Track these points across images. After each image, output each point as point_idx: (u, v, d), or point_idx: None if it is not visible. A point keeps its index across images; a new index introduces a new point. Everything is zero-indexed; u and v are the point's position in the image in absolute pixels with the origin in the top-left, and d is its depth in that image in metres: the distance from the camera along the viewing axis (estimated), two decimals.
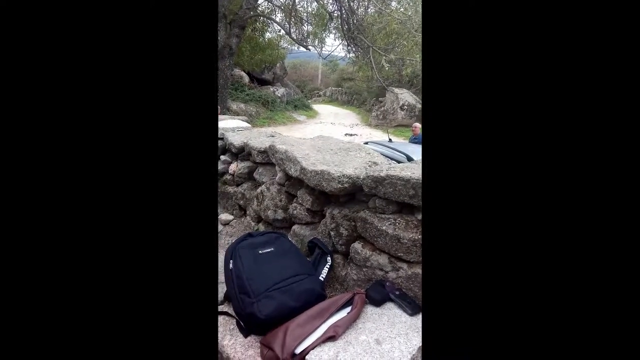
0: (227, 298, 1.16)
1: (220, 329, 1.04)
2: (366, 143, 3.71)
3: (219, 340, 1.00)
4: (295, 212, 1.48)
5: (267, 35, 6.93)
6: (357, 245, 1.19)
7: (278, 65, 9.49)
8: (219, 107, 3.49)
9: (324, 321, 0.94)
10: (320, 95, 21.91)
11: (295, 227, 1.50)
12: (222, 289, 1.22)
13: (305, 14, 5.70)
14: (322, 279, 1.17)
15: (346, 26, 5.64)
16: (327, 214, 1.35)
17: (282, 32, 6.16)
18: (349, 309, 0.98)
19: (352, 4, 5.65)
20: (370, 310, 1.01)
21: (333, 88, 21.82)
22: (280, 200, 1.59)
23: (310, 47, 5.35)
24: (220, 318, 1.08)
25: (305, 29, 6.01)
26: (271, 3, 5.29)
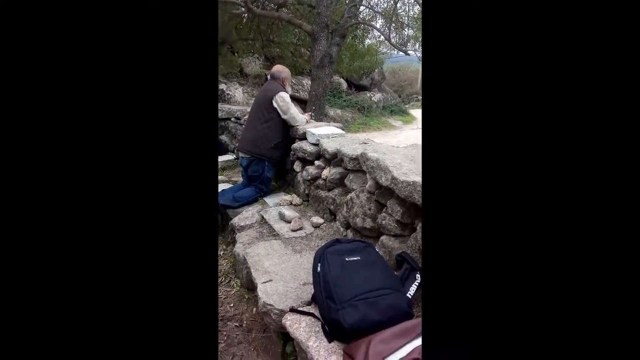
0: (314, 300, 1.21)
1: (306, 329, 1.10)
2: None
3: (304, 340, 1.06)
4: (384, 222, 1.46)
5: (367, 41, 7.00)
6: None
7: (376, 70, 9.47)
8: (317, 114, 3.68)
9: (409, 341, 0.90)
10: (418, 100, 21.03)
11: (383, 237, 1.47)
12: (310, 289, 1.29)
13: (406, 18, 5.58)
14: (409, 297, 1.12)
15: None
16: (418, 227, 1.29)
17: (382, 37, 6.14)
18: None
19: None
20: None
21: None
22: (370, 209, 1.59)
23: (410, 51, 5.20)
24: (307, 318, 1.14)
25: (406, 33, 5.87)
26: (372, 10, 5.33)
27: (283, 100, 2.22)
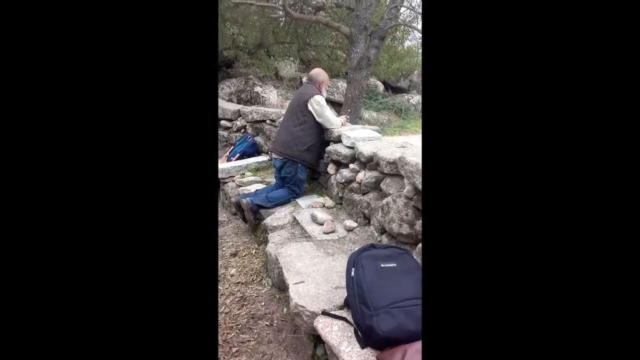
0: (347, 304, 1.19)
1: (338, 333, 1.08)
2: None
3: (336, 344, 1.04)
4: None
5: (407, 43, 6.86)
6: None
7: (416, 72, 9.25)
8: (352, 117, 3.65)
9: None
10: None
11: (421, 245, 1.42)
12: (342, 293, 1.27)
13: None
14: None
15: None
16: None
17: None
18: None
19: None
20: None
21: None
22: (407, 215, 1.54)
23: None
24: (340, 322, 1.12)
25: None
26: (413, 11, 5.21)
27: (318, 103, 2.22)
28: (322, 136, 2.35)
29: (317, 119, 2.25)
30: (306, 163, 2.28)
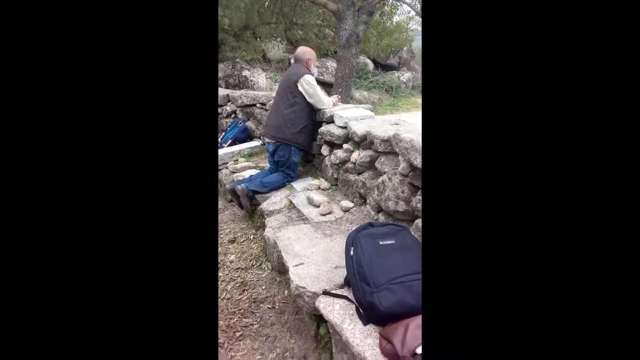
0: (347, 283, 1.20)
1: (340, 311, 1.09)
2: None
3: (338, 323, 1.05)
4: (419, 205, 1.40)
5: (396, 18, 6.70)
6: None
7: (405, 48, 9.07)
8: (343, 97, 3.59)
9: None
10: None
11: (418, 221, 1.42)
12: (342, 273, 1.28)
13: None
14: None
15: None
16: None
17: (412, 12, 5.83)
18: None
19: None
20: None
21: None
22: (403, 192, 1.54)
23: None
24: (341, 301, 1.13)
25: None
26: None
27: (308, 83, 2.16)
28: (314, 117, 2.31)
29: (309, 100, 2.20)
30: (299, 145, 2.25)
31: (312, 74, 2.24)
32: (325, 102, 2.25)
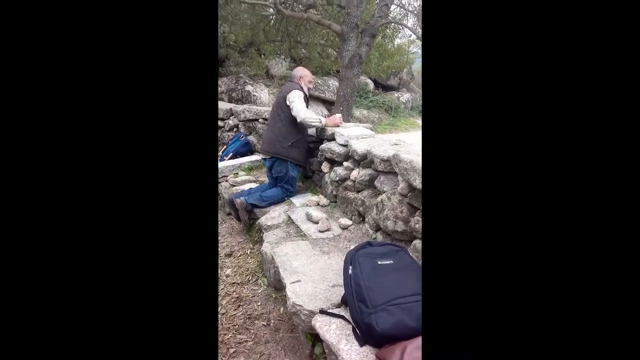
0: (344, 302, 1.19)
1: (337, 331, 1.08)
2: None
3: (334, 343, 1.04)
4: (417, 226, 1.41)
5: (397, 41, 6.89)
6: None
7: (405, 70, 9.29)
8: (344, 115, 3.65)
9: None
10: None
11: (416, 242, 1.43)
12: (339, 291, 1.27)
13: None
14: None
15: None
16: None
17: (413, 36, 6.00)
18: None
19: None
20: None
21: None
22: (401, 212, 1.55)
23: None
24: (338, 321, 1.12)
25: None
26: (403, 8, 5.24)
27: (294, 95, 2.18)
28: (305, 132, 2.33)
29: (291, 112, 2.21)
30: (293, 160, 2.26)
31: (302, 90, 2.27)
32: (303, 114, 2.15)
